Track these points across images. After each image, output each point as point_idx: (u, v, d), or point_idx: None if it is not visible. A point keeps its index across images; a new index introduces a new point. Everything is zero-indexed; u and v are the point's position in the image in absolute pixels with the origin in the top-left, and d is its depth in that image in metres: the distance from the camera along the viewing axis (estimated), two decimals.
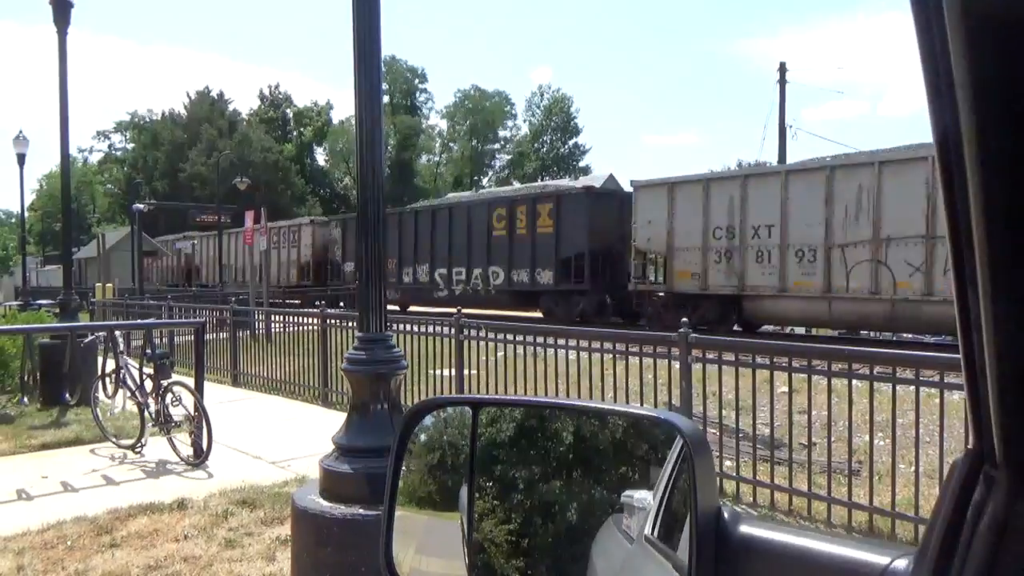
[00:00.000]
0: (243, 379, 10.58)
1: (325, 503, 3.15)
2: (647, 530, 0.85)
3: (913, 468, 4.49)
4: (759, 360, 5.15)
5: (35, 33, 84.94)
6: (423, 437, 1.07)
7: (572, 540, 0.89)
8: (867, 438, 4.72)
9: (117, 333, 7.30)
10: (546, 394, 6.36)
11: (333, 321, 9.29)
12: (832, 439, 4.91)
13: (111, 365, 7.02)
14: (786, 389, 5.68)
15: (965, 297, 0.44)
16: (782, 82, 29.38)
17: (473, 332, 7.46)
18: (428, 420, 1.07)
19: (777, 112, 29.27)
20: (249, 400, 9.49)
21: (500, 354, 7.11)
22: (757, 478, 5.10)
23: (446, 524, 1.01)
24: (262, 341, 11.07)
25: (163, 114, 62.85)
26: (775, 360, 5.13)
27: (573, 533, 0.89)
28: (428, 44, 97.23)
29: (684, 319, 6.00)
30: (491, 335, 7.30)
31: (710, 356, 5.36)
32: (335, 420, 4.29)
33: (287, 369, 9.83)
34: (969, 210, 0.39)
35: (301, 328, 9.97)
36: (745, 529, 0.73)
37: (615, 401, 6.02)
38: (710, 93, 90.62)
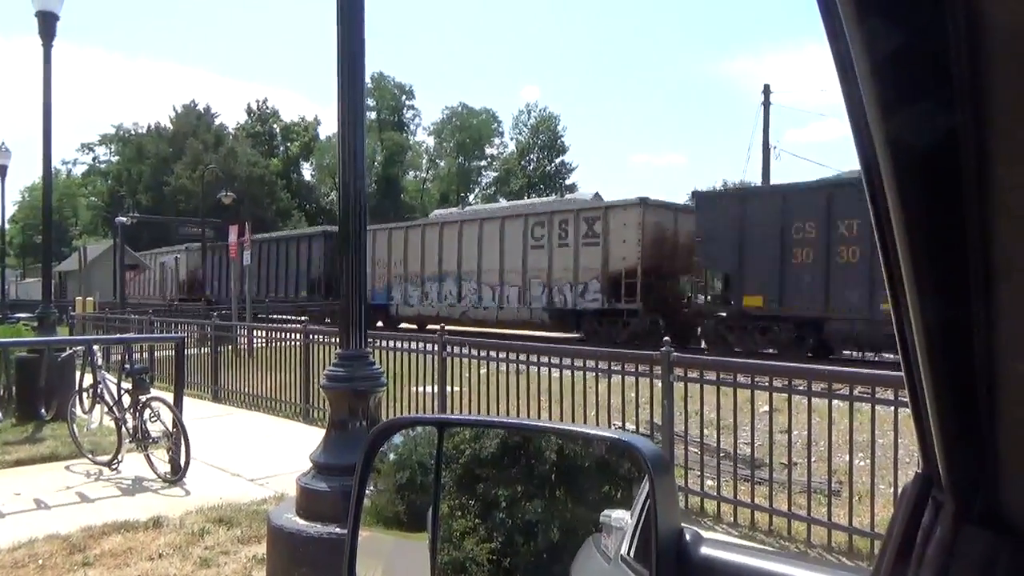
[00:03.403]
0: (224, 395, 10.48)
1: (301, 521, 3.11)
2: (623, 550, 0.85)
3: (892, 488, 4.51)
4: (740, 379, 5.17)
5: (18, 44, 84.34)
6: (392, 456, 1.06)
7: (551, 560, 0.88)
8: (847, 458, 4.74)
9: (96, 347, 7.21)
10: (528, 412, 6.35)
11: (316, 337, 9.23)
12: (813, 459, 4.92)
13: (89, 380, 6.93)
14: (768, 408, 5.71)
15: (901, 321, 0.45)
16: (766, 104, 29.80)
17: (456, 349, 7.44)
18: (398, 439, 1.07)
19: (761, 133, 29.65)
20: (229, 416, 9.38)
21: (483, 371, 7.09)
22: (738, 497, 5.10)
23: (414, 545, 1.00)
24: (244, 356, 10.98)
25: (149, 127, 62.63)
26: (756, 379, 5.15)
27: (552, 553, 0.89)
28: (416, 61, 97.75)
29: (666, 337, 6.02)
30: (474, 352, 7.29)
31: (692, 375, 5.37)
32: (316, 437, 4.24)
33: (268, 385, 9.74)
34: (893, 230, 0.40)
35: (283, 344, 9.90)
36: (706, 551, 0.73)
37: (597, 419, 6.01)
38: (696, 114, 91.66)
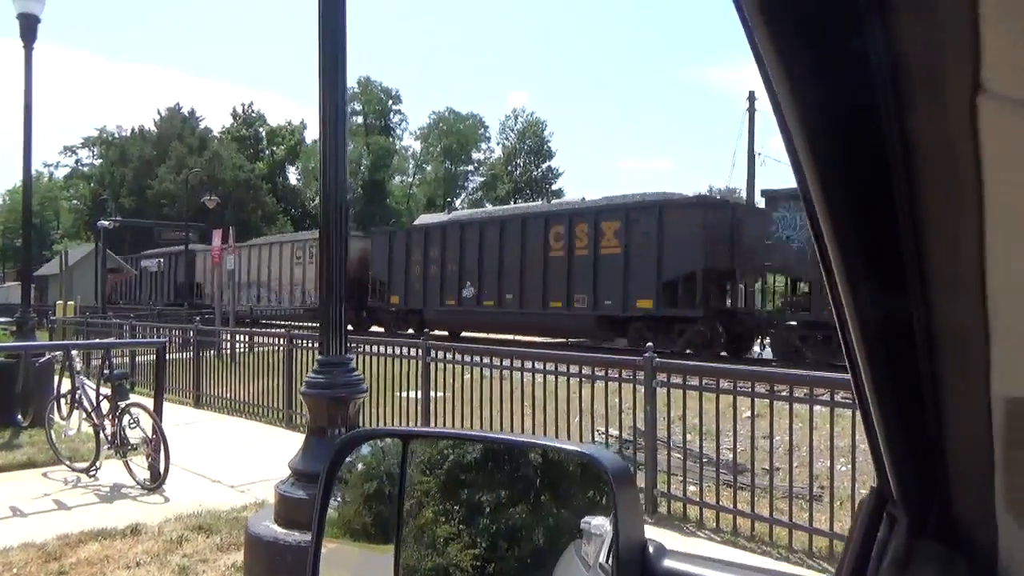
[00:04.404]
0: (205, 400, 10.38)
1: (279, 529, 3.08)
2: (601, 557, 0.84)
3: None
4: (723, 384, 5.18)
5: None
6: (360, 467, 1.05)
7: (534, 566, 0.88)
8: (828, 463, 4.76)
9: (74, 353, 7.13)
10: (512, 417, 6.33)
11: (299, 342, 9.18)
12: (794, 464, 4.94)
13: (67, 385, 6.84)
14: (750, 414, 5.73)
15: (847, 338, 0.44)
16: (751, 111, 30.03)
17: (440, 355, 7.42)
18: (366, 449, 1.06)
19: (746, 140, 29.87)
20: (211, 422, 9.30)
21: (467, 377, 7.08)
22: (720, 503, 5.11)
23: (381, 557, 0.99)
24: (226, 361, 10.89)
25: (132, 130, 62.09)
26: (739, 385, 5.17)
27: (534, 559, 0.88)
28: (403, 66, 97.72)
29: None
30: (458, 357, 7.27)
31: (675, 380, 5.38)
32: (299, 443, 4.21)
33: (251, 390, 9.66)
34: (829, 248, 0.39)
35: (266, 349, 9.83)
36: (669, 564, 0.73)
37: (581, 425, 6.00)
38: (683, 119, 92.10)
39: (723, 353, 15.59)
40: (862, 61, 0.32)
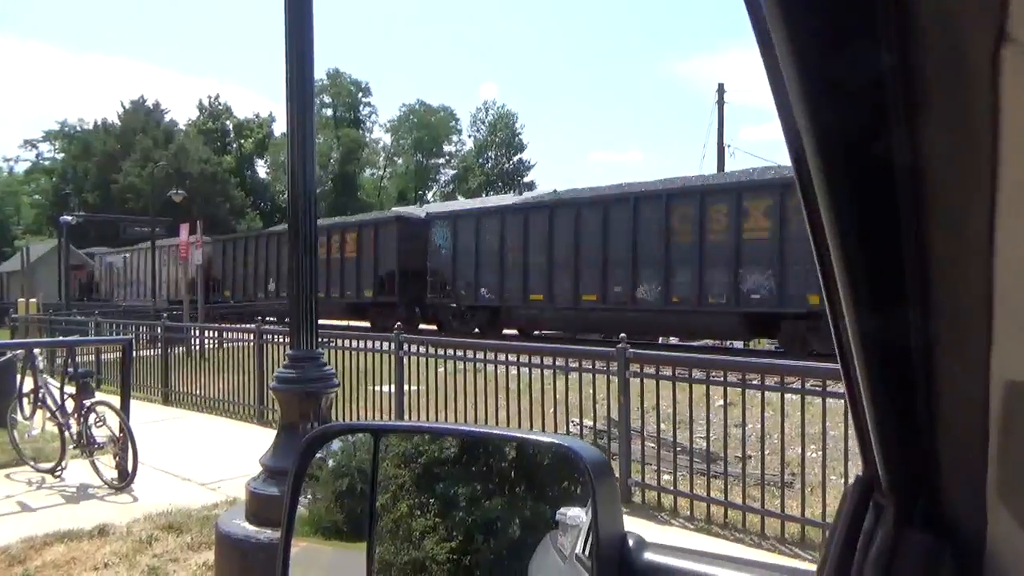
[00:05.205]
0: (175, 397, 10.22)
1: (251, 527, 3.03)
2: (578, 548, 0.83)
3: (844, 479, 4.60)
4: (696, 374, 5.21)
5: None
6: (331, 463, 1.02)
7: (510, 558, 0.86)
8: (800, 450, 4.82)
9: (36, 351, 6.96)
10: (487, 410, 6.32)
11: (269, 337, 9.07)
12: (766, 452, 4.99)
13: (30, 384, 6.69)
14: (723, 402, 5.78)
15: (839, 325, 0.43)
16: (720, 102, 30.24)
17: (413, 348, 7.38)
18: (336, 445, 1.03)
19: (716, 132, 30.12)
20: (180, 419, 9.16)
21: (441, 370, 7.05)
22: (694, 491, 5.15)
23: (353, 554, 0.96)
24: (196, 358, 10.72)
25: (95, 123, 60.71)
26: (711, 374, 5.20)
27: (511, 551, 0.86)
28: (373, 58, 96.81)
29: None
30: (432, 351, 7.24)
31: (648, 370, 5.40)
32: (271, 439, 4.16)
33: (221, 387, 9.53)
34: (825, 231, 0.38)
35: (236, 344, 9.69)
36: (649, 556, 0.71)
37: (556, 416, 6.02)
38: (654, 111, 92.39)
39: (432, 327, 21.06)
40: (871, 8, 0.30)
